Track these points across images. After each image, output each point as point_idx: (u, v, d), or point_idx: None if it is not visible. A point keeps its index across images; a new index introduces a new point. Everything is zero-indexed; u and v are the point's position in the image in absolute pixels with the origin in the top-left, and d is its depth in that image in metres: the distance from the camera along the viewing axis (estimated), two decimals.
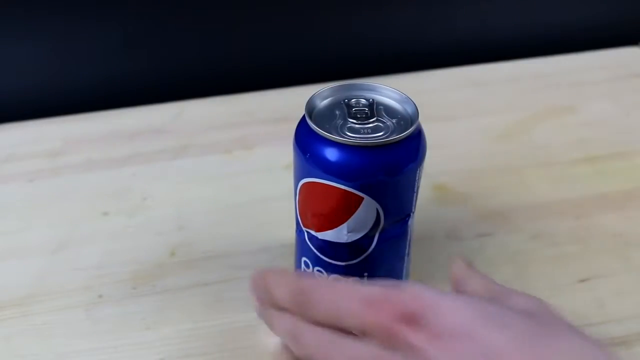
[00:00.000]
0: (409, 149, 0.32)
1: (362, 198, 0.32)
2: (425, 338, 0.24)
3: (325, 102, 0.34)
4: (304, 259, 0.37)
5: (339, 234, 0.34)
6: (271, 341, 0.38)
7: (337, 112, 0.33)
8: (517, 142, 0.55)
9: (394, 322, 0.25)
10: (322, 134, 0.31)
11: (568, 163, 0.52)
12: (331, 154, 0.31)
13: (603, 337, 0.38)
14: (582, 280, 0.42)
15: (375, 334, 0.26)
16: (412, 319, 0.25)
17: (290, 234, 0.40)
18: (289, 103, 0.59)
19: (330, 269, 0.36)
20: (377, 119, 0.33)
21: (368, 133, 0.32)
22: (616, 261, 0.43)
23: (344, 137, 0.31)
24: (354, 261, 0.35)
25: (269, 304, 0.30)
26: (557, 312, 0.27)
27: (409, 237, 0.37)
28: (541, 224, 0.46)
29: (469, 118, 0.58)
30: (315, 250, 0.36)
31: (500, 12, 0.66)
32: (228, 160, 0.53)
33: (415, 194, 0.35)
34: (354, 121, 0.32)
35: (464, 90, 0.62)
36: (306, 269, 0.37)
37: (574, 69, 0.65)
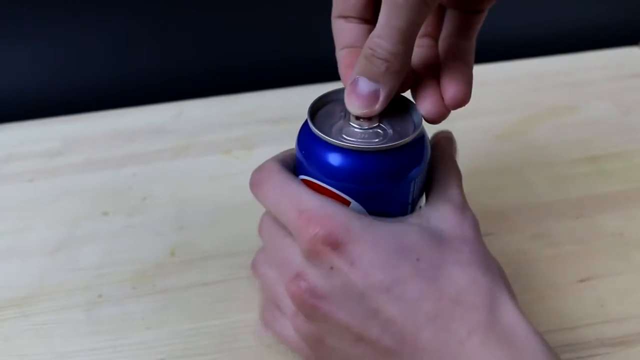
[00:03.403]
0: (412, 154, 0.32)
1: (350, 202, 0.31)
2: (345, 263, 0.28)
3: (329, 105, 0.33)
4: None
5: None
6: (270, 341, 0.38)
7: (340, 115, 0.33)
8: (517, 142, 0.55)
9: (319, 243, 0.29)
10: (323, 138, 0.31)
11: (568, 163, 0.52)
12: (333, 157, 0.31)
13: (603, 337, 0.38)
14: (582, 280, 0.42)
15: (301, 243, 0.29)
16: (336, 245, 0.28)
17: None
18: (289, 103, 0.59)
19: None
20: (379, 125, 0.32)
21: (370, 137, 0.31)
22: (616, 261, 0.43)
23: (345, 141, 0.31)
24: None
25: None
26: (473, 233, 0.31)
27: None
28: (541, 224, 0.46)
29: (469, 118, 0.58)
30: None
31: (501, 12, 0.66)
32: (228, 160, 0.53)
33: (410, 205, 0.33)
34: (356, 125, 0.32)
35: None
36: None
37: (574, 69, 0.65)
